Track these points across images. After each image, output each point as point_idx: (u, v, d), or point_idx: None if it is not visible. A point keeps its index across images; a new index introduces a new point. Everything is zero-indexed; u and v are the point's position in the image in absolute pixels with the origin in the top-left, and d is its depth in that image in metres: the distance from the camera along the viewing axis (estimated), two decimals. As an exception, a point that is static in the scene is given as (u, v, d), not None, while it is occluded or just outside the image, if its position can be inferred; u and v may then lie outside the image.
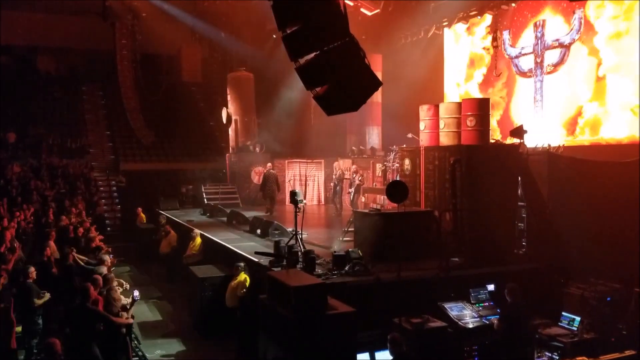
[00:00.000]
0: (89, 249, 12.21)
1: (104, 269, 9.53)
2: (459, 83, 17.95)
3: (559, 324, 8.56)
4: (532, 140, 12.20)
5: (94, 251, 11.85)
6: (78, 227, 14.28)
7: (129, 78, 27.79)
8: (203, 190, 20.85)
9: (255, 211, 16.87)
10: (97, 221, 18.50)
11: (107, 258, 10.63)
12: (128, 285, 10.13)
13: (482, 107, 11.04)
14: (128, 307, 8.58)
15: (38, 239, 15.78)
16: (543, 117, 14.50)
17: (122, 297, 8.74)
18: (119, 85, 27.83)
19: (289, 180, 19.29)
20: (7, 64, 28.05)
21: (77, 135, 25.96)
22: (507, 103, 16.19)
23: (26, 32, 27.52)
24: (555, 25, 14.50)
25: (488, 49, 16.75)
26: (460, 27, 17.82)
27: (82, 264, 11.01)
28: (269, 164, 19.08)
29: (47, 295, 9.20)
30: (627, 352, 7.03)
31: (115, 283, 9.35)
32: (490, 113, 11.61)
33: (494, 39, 16.10)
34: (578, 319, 8.41)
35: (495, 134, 15.18)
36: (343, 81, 6.63)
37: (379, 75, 10.32)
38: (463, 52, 17.91)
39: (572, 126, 13.97)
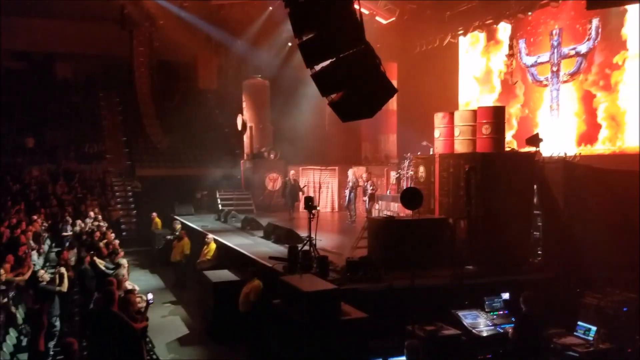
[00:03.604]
0: (105, 253, 12.36)
1: (123, 272, 9.65)
2: (474, 92, 17.93)
3: (574, 333, 8.48)
4: (548, 149, 12.15)
5: (110, 255, 11.99)
6: (94, 231, 14.44)
7: (145, 85, 28.06)
8: (218, 196, 20.98)
9: (269, 217, 16.94)
10: (113, 226, 18.68)
11: (124, 262, 10.75)
12: (146, 295, 10.21)
13: (497, 115, 11.02)
14: (143, 310, 8.66)
15: (55, 241, 16.02)
16: (559, 126, 14.43)
17: (138, 300, 8.82)
18: (135, 91, 28.10)
19: (303, 187, 19.33)
20: (25, 71, 28.47)
21: (94, 140, 26.20)
22: (522, 111, 16.14)
23: (44, 38, 27.86)
24: (572, 33, 14.45)
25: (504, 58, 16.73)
26: (476, 35, 17.81)
27: (102, 267, 11.14)
28: (292, 171, 19.11)
29: None
30: (643, 363, 6.97)
31: (129, 286, 9.48)
32: (505, 121, 11.59)
33: (510, 48, 16.07)
34: (594, 328, 8.33)
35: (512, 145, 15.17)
36: (358, 88, 6.67)
37: (394, 83, 10.35)
38: (478, 60, 17.89)
39: (589, 135, 13.88)
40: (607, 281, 9.18)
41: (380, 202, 17.14)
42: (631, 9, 12.88)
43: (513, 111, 16.19)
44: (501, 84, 17.00)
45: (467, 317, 8.45)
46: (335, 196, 20.74)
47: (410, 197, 8.66)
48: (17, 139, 24.02)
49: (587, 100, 14.06)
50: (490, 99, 17.20)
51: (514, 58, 16.10)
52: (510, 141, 15.61)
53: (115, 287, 8.11)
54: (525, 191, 10.45)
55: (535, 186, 10.62)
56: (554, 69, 14.70)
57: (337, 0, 6.55)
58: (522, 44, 15.94)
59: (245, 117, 22.40)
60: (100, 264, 11.40)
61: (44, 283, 9.67)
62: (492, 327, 8.36)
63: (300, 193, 17.55)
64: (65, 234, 16.30)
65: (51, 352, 9.23)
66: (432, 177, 11.61)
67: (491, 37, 17.37)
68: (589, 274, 9.51)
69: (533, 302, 7.66)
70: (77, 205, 20.18)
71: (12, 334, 9.48)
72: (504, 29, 16.71)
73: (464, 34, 17.91)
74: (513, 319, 8.34)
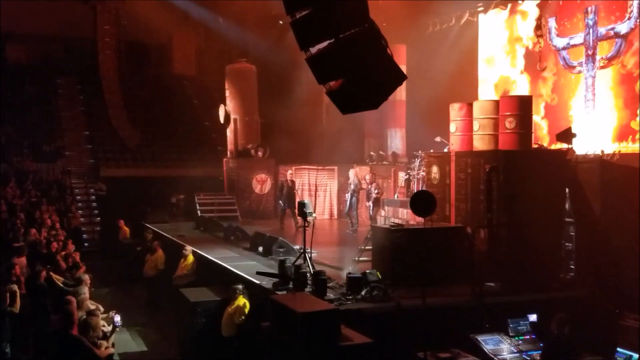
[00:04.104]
0: (64, 267, 12.32)
1: (85, 290, 9.62)
2: (496, 79, 17.96)
3: (613, 361, 8.53)
4: (582, 146, 12.17)
5: (70, 269, 11.95)
6: (51, 241, 14.40)
7: (111, 70, 28.06)
8: (196, 200, 20.96)
9: (256, 225, 16.94)
10: (73, 235, 18.64)
11: (86, 277, 10.71)
12: (112, 317, 10.18)
13: (523, 107, 11.04)
14: (108, 334, 8.65)
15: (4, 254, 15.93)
16: (595, 119, 14.45)
17: (102, 322, 8.80)
18: (100, 78, 28.09)
19: (296, 190, 19.31)
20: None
21: (51, 135, 26.19)
22: (551, 98, 16.17)
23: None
24: (610, 11, 14.47)
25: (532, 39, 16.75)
26: (497, 13, 17.82)
27: (60, 284, 11.11)
28: (290, 171, 19.09)
29: None
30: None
31: (92, 306, 9.45)
32: (533, 113, 11.60)
33: (538, 27, 16.08)
34: (636, 356, 8.35)
35: (541, 132, 15.20)
36: (361, 74, 6.67)
37: (403, 68, 10.38)
38: (501, 42, 17.91)
39: (630, 128, 13.90)
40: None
41: (386, 207, 17.15)
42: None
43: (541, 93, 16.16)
44: (524, 61, 16.94)
45: (489, 343, 8.47)
46: (334, 201, 20.77)
47: (421, 202, 8.66)
48: (-40, 134, 24.00)
49: (629, 85, 14.04)
50: (512, 75, 17.13)
51: (543, 39, 16.10)
52: (538, 124, 15.57)
53: (75, 307, 8.08)
54: (555, 195, 10.48)
55: (567, 190, 10.65)
56: (589, 52, 14.71)
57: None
58: (551, 23, 15.94)
59: (229, 108, 22.39)
60: (58, 279, 11.36)
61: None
62: (517, 354, 8.39)
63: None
64: (16, 244, 16.23)
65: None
66: (447, 178, 11.63)
67: (515, 10, 17.30)
68: (630, 292, 9.53)
69: (566, 324, 7.68)
70: (30, 211, 20.11)
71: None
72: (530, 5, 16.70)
73: (484, 12, 17.91)
74: (541, 344, 8.37)
